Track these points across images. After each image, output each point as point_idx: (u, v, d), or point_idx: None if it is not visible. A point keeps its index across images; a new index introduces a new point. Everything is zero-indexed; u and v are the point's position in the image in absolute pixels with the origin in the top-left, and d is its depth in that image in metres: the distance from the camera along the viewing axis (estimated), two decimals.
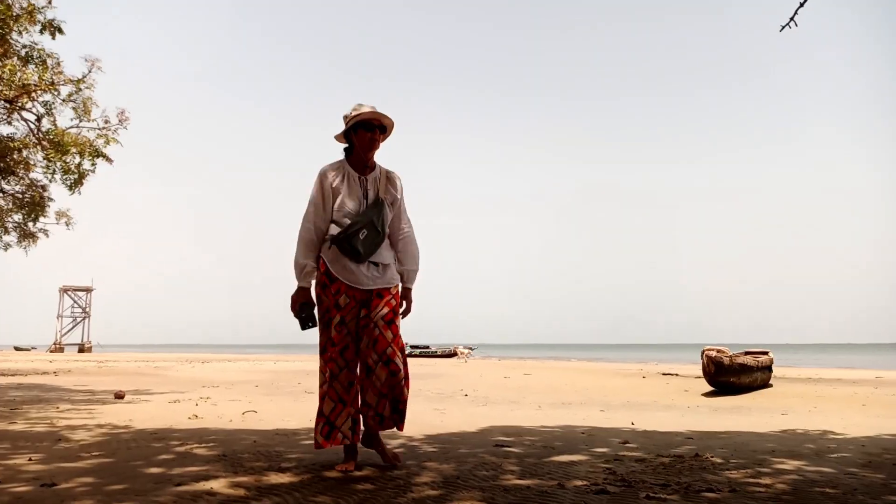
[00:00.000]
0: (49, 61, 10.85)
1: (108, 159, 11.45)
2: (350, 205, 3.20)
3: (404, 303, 3.41)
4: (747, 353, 12.64)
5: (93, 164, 11.20)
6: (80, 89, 11.33)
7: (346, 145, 3.37)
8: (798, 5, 4.62)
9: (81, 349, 57.90)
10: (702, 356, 11.66)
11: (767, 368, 12.23)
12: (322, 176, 3.24)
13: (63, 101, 11.32)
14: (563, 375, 17.15)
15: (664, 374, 16.99)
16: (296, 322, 3.18)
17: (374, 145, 3.29)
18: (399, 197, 3.39)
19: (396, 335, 3.16)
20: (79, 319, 61.87)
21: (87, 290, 62.73)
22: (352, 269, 3.16)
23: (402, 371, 3.14)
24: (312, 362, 27.09)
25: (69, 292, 62.20)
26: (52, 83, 10.96)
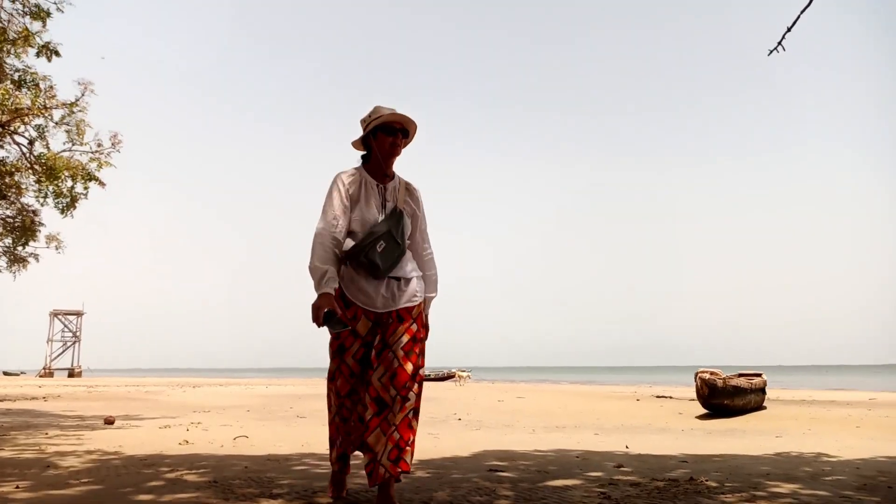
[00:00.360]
0: (42, 84, 10.88)
1: (101, 183, 11.44)
2: (367, 214, 2.91)
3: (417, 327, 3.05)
4: (740, 376, 12.65)
5: (85, 188, 11.20)
6: (73, 112, 11.35)
7: (364, 153, 3.08)
8: (785, 30, 4.71)
9: (71, 374, 57.38)
10: (695, 378, 11.66)
11: (761, 390, 12.24)
12: (338, 181, 2.94)
13: (56, 124, 11.34)
14: (556, 399, 17.09)
15: (658, 397, 16.96)
16: (324, 330, 2.80)
17: (395, 151, 3.00)
18: (419, 211, 3.10)
19: (417, 367, 2.83)
20: (69, 344, 61.37)
21: (78, 314, 62.31)
22: (368, 290, 2.84)
23: (416, 404, 2.83)
24: (304, 386, 26.91)
25: (59, 316, 61.76)
26: (45, 107, 10.97)
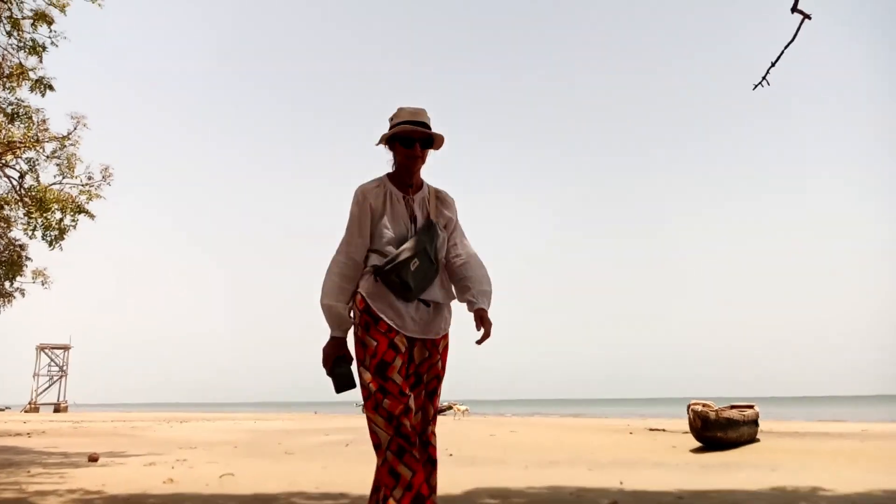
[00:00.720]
0: (35, 117, 10.91)
1: (91, 215, 11.43)
2: (394, 229, 2.61)
3: (479, 327, 2.61)
4: (733, 407, 12.58)
5: (74, 220, 11.17)
6: (65, 146, 11.38)
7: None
8: (770, 65, 4.77)
9: (57, 409, 56.54)
10: (688, 411, 11.58)
11: (754, 422, 12.15)
12: (359, 196, 2.64)
13: (47, 157, 11.36)
14: (549, 432, 16.93)
15: (651, 430, 16.82)
16: (329, 381, 2.54)
17: (414, 164, 2.67)
18: (455, 219, 2.79)
19: (437, 409, 2.64)
20: (55, 378, 60.55)
21: (65, 348, 61.58)
22: (399, 308, 2.53)
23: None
24: (293, 421, 26.56)
25: (46, 350, 61.02)
26: (37, 140, 10.99)
